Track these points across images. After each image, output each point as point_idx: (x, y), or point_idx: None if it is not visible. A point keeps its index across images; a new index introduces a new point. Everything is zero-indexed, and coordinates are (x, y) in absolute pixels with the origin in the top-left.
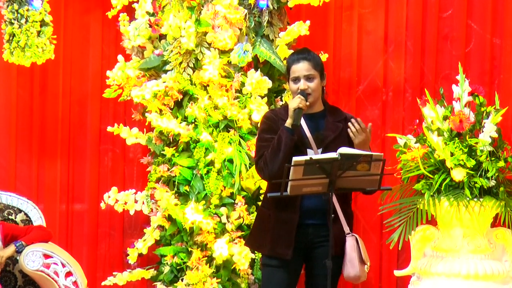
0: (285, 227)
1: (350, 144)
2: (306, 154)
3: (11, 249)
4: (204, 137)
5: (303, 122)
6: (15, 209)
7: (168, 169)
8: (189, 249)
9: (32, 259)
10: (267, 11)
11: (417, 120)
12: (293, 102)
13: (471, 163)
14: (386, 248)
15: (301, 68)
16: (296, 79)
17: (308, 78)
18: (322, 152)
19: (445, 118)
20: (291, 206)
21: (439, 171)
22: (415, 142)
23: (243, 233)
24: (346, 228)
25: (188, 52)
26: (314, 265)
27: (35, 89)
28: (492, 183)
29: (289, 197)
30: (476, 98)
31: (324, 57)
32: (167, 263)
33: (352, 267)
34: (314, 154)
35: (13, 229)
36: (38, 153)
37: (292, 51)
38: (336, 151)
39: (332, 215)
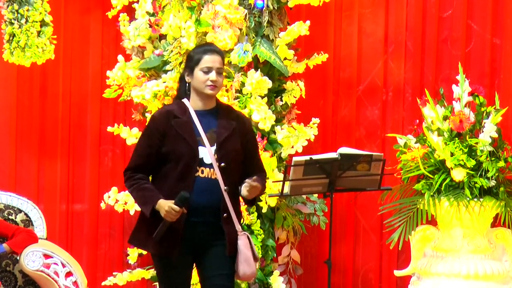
0: (172, 225)
1: (243, 143)
2: (197, 153)
3: None
4: None
5: (195, 119)
6: (15, 209)
7: None
8: None
9: (32, 259)
10: (267, 11)
11: (417, 120)
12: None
13: (471, 163)
14: (386, 248)
15: (215, 60)
16: (209, 70)
17: (219, 71)
18: (216, 150)
19: (445, 118)
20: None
21: (439, 171)
22: (415, 142)
23: None
24: (238, 227)
25: (188, 52)
26: (207, 266)
27: (35, 89)
28: (492, 183)
29: (176, 194)
30: (476, 98)
31: (324, 57)
32: None
33: (248, 265)
34: (207, 151)
35: (1, 227)
36: (38, 153)
37: (292, 51)
38: (230, 149)
39: (225, 214)
